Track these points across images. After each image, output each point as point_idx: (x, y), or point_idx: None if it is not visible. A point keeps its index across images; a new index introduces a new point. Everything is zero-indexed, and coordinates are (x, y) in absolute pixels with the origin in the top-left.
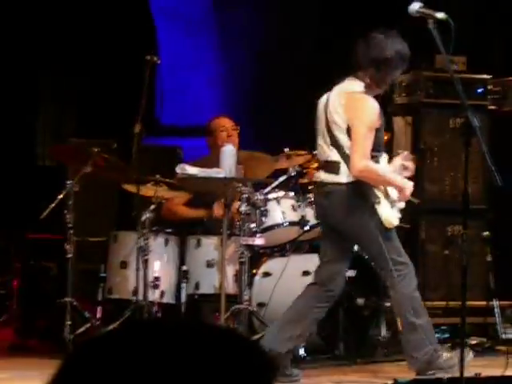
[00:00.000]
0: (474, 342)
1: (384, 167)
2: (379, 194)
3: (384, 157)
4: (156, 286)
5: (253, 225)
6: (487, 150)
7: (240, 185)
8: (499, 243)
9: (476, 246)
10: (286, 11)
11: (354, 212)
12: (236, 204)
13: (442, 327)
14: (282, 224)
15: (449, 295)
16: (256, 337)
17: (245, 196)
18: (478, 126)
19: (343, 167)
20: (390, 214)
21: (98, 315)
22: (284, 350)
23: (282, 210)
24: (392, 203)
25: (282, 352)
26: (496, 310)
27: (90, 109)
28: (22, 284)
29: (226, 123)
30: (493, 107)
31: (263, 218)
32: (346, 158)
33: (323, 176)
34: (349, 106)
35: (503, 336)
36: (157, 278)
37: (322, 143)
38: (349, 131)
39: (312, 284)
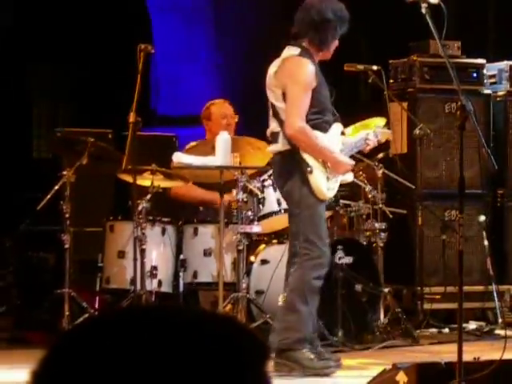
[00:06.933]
0: (472, 327)
1: (324, 136)
2: (312, 163)
3: (336, 126)
4: (153, 276)
5: (250, 212)
6: (482, 135)
7: (237, 173)
8: (496, 227)
9: (473, 230)
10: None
11: (287, 179)
12: (233, 192)
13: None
14: (279, 211)
15: (446, 280)
16: (255, 324)
17: (241, 184)
18: (473, 110)
19: (281, 136)
20: (322, 184)
21: (96, 305)
22: None
23: (277, 197)
24: (329, 175)
25: None
26: (495, 294)
27: (85, 99)
28: (20, 275)
29: (226, 110)
30: (488, 91)
31: (260, 206)
32: (283, 124)
33: (269, 148)
34: (281, 71)
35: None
36: (154, 268)
37: (270, 116)
38: (284, 97)
39: None
